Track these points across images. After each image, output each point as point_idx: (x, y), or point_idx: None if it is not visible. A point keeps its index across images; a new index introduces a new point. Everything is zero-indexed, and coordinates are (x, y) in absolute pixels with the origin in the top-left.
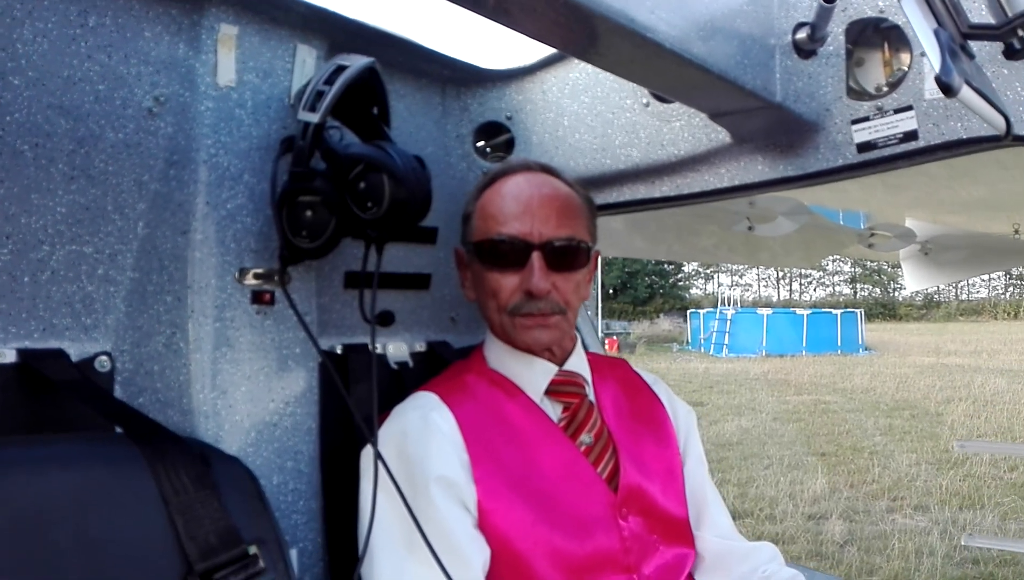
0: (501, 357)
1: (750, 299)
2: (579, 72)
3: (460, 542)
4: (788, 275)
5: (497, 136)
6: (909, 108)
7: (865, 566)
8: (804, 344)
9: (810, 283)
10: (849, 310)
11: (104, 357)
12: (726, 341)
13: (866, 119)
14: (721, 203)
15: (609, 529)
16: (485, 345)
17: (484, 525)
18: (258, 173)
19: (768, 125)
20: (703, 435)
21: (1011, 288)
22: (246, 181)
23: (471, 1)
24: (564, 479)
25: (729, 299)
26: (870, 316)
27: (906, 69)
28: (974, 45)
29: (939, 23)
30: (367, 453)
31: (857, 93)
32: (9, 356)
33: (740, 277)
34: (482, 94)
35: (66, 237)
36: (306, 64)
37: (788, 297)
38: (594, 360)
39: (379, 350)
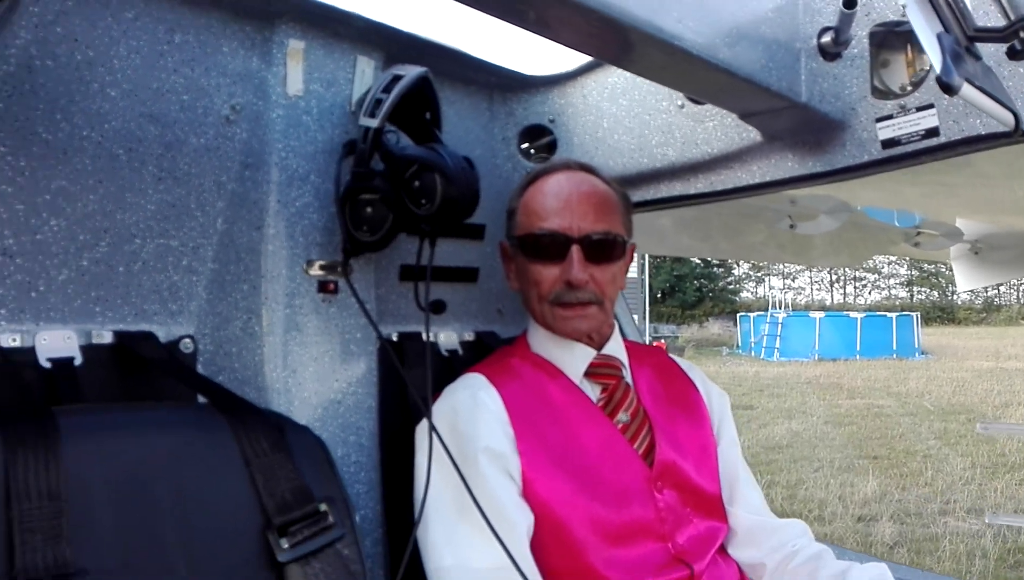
0: (543, 342)
1: (802, 302)
2: (617, 77)
3: (506, 507)
4: (842, 278)
5: (541, 138)
6: (931, 106)
7: (915, 567)
8: (858, 348)
9: (865, 286)
10: (905, 313)
11: (188, 339)
12: (777, 345)
13: (890, 117)
14: (763, 201)
15: (645, 500)
16: (528, 332)
17: (528, 493)
18: (323, 174)
19: (796, 124)
20: (752, 438)
21: None
22: (312, 181)
23: (513, 15)
24: (602, 454)
25: (780, 302)
26: (928, 320)
27: (927, 69)
28: (982, 47)
29: (945, 27)
30: (422, 428)
31: (881, 92)
32: (107, 337)
33: (792, 280)
34: (526, 99)
35: (155, 232)
36: (365, 74)
37: (842, 300)
38: (632, 347)
39: (431, 338)
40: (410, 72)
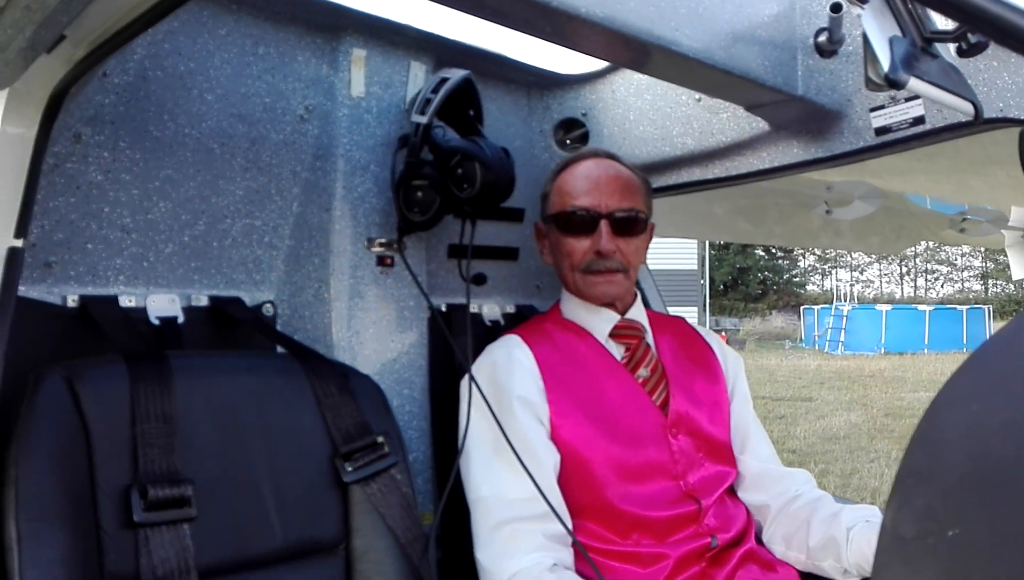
0: (574, 308)
1: (870, 296)
2: (641, 75)
3: (536, 448)
4: (912, 270)
5: (574, 130)
6: (917, 97)
7: None
8: (926, 342)
9: (937, 279)
10: (976, 306)
11: (268, 305)
12: (841, 338)
13: (882, 107)
14: (804, 188)
15: (660, 444)
16: (561, 301)
17: (555, 437)
18: (381, 164)
19: (798, 114)
20: (809, 429)
21: None
22: (372, 170)
23: (532, 28)
24: (623, 403)
25: (847, 295)
26: (1003, 314)
27: None
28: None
29: (902, 31)
30: (465, 381)
31: (874, 84)
32: (204, 301)
33: (861, 273)
34: (561, 95)
35: (242, 213)
36: (417, 77)
37: (912, 293)
38: (655, 316)
39: (475, 310)
40: (455, 75)
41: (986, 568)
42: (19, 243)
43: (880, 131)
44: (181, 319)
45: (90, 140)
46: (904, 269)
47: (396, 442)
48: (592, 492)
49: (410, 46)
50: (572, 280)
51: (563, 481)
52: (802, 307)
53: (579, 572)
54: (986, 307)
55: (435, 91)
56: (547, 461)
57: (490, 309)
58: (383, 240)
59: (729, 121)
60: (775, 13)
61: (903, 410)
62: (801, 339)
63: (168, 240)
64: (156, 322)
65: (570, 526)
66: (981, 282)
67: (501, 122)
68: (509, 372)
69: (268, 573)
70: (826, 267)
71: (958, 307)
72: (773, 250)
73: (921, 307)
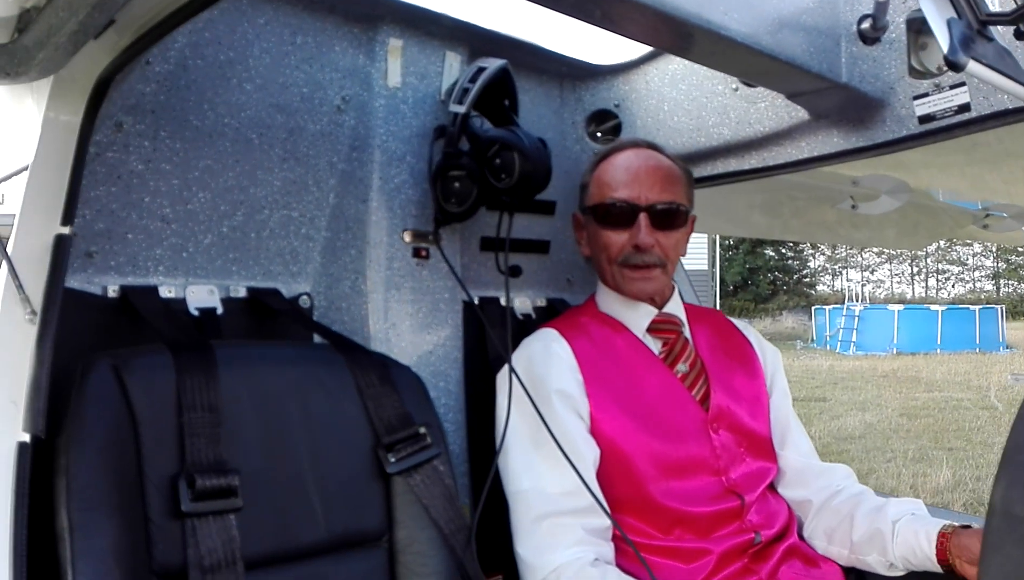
0: (610, 302)
1: (881, 296)
2: (676, 64)
3: (576, 441)
4: (924, 271)
5: (606, 121)
6: (963, 84)
7: None
8: (939, 342)
9: (948, 279)
10: (989, 306)
11: (305, 296)
12: (853, 338)
13: (926, 95)
14: (827, 182)
15: (701, 439)
16: (597, 294)
17: (595, 431)
18: (417, 155)
19: (839, 102)
20: (824, 429)
21: None
22: (408, 161)
23: (582, 12)
24: (662, 398)
25: (858, 296)
26: (1015, 314)
27: None
28: (1001, 34)
29: (958, 13)
30: (502, 374)
31: (918, 72)
32: (242, 292)
33: (871, 273)
34: (594, 86)
35: (280, 204)
36: (452, 67)
37: (924, 294)
38: (692, 309)
39: (504, 303)
40: (492, 64)
41: None
42: (66, 230)
43: (924, 119)
44: (220, 310)
45: (131, 129)
46: (915, 269)
47: (437, 433)
48: (633, 487)
49: (445, 36)
50: (610, 273)
51: (603, 476)
52: (813, 307)
53: (619, 566)
54: (999, 307)
55: (472, 80)
56: (587, 455)
57: (522, 302)
58: (419, 231)
59: (767, 110)
60: None
61: (918, 410)
62: (813, 339)
63: (207, 230)
64: (195, 313)
65: (608, 521)
66: (993, 282)
67: (533, 113)
68: (547, 365)
69: (312, 565)
70: (836, 267)
71: (971, 307)
72: (783, 250)
73: (933, 307)
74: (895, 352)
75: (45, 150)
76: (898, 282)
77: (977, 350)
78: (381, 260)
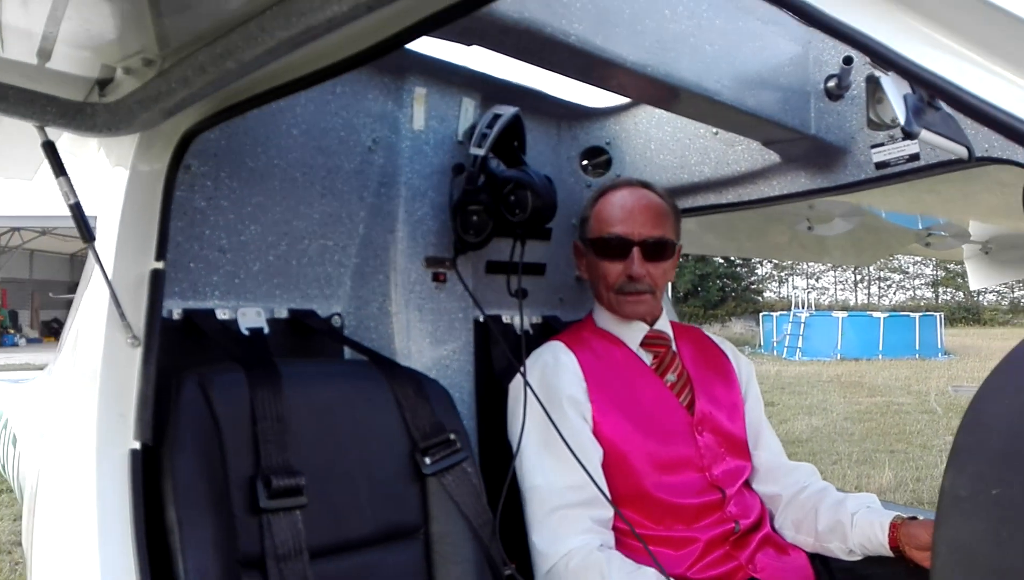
0: (607, 320)
1: (826, 303)
2: (662, 110)
3: (583, 442)
4: (866, 278)
5: (598, 157)
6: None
7: None
8: (880, 348)
9: (890, 287)
10: (928, 313)
11: (337, 316)
12: (799, 344)
13: (882, 144)
14: (783, 206)
15: (688, 441)
16: (594, 312)
17: (597, 432)
18: (437, 190)
19: (807, 149)
20: None
21: None
22: (430, 196)
23: (582, 75)
24: (654, 404)
25: (803, 302)
26: (952, 321)
27: None
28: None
29: (912, 88)
30: (515, 383)
31: (875, 124)
32: (284, 313)
33: (816, 280)
34: (588, 126)
35: (317, 234)
36: (468, 112)
37: (866, 301)
38: (676, 326)
39: (507, 321)
40: (507, 111)
41: (1022, 519)
42: (160, 265)
43: (880, 165)
44: (266, 330)
45: (197, 171)
46: (858, 277)
47: (464, 439)
48: (630, 482)
49: (462, 84)
50: (607, 297)
51: (604, 472)
52: (761, 314)
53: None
54: (938, 314)
55: (490, 126)
56: (594, 454)
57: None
58: (438, 257)
59: (743, 153)
60: (791, 58)
61: (862, 414)
62: (760, 345)
63: (256, 259)
64: (246, 333)
65: (612, 513)
66: (932, 290)
67: (534, 149)
68: (557, 374)
69: (362, 554)
70: (783, 274)
71: (911, 314)
72: (732, 258)
73: (876, 314)
74: (839, 358)
75: (134, 195)
76: (842, 289)
77: (917, 356)
78: (405, 284)
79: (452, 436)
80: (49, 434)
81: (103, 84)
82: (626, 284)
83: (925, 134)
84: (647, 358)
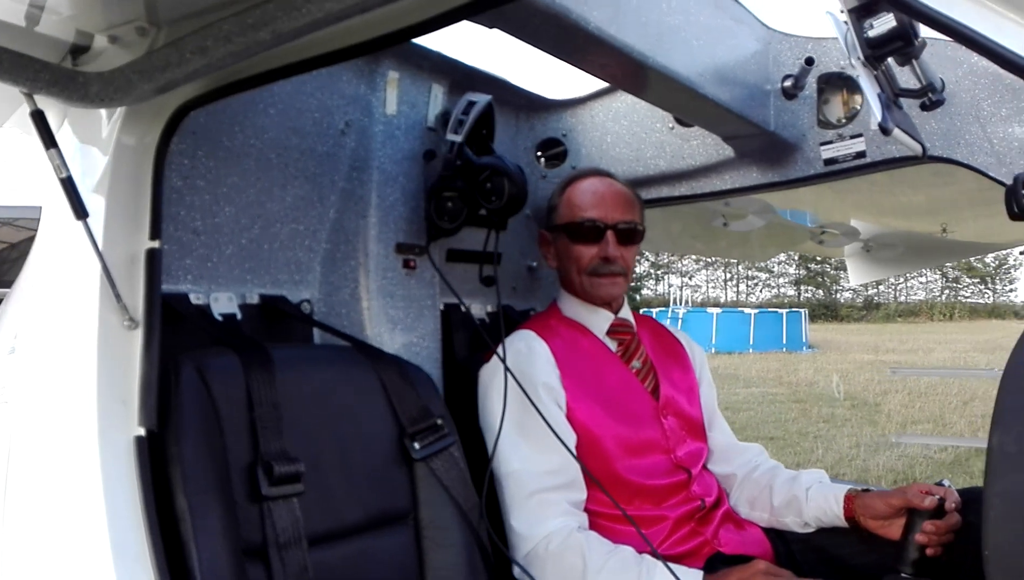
0: (574, 308)
1: (699, 299)
2: (620, 103)
3: (561, 427)
4: (735, 277)
5: (554, 148)
6: (860, 135)
7: None
8: (751, 342)
9: (756, 284)
10: (794, 310)
11: (306, 302)
12: None
13: (831, 142)
14: (702, 203)
15: (654, 425)
16: (558, 301)
17: (572, 418)
18: (408, 176)
19: (762, 145)
20: None
21: (946, 291)
22: (401, 182)
23: (563, 52)
24: (622, 390)
25: (679, 299)
26: (813, 317)
27: (858, 108)
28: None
29: (880, 88)
30: (488, 370)
31: (824, 123)
32: (255, 299)
33: (690, 279)
34: (545, 117)
35: (289, 218)
36: (437, 98)
37: (735, 298)
38: (635, 315)
39: (464, 310)
40: (481, 99)
41: None
42: (156, 244)
43: (828, 162)
44: (239, 316)
45: (175, 148)
46: (728, 275)
47: (450, 423)
48: (603, 465)
49: (432, 69)
50: (579, 282)
51: (579, 456)
52: (640, 310)
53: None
54: (803, 311)
55: (465, 112)
56: (569, 440)
57: (476, 308)
58: (409, 244)
59: (699, 147)
60: (755, 56)
61: (739, 404)
62: None
63: (229, 242)
64: (219, 318)
65: (585, 495)
66: (795, 288)
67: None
68: (530, 362)
69: (355, 541)
70: (659, 273)
71: (779, 310)
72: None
73: (747, 310)
74: (714, 351)
75: (121, 170)
76: (713, 287)
77: (784, 350)
78: (377, 270)
79: (439, 421)
80: (19, 410)
81: (77, 52)
82: (600, 266)
83: (896, 133)
84: (612, 345)
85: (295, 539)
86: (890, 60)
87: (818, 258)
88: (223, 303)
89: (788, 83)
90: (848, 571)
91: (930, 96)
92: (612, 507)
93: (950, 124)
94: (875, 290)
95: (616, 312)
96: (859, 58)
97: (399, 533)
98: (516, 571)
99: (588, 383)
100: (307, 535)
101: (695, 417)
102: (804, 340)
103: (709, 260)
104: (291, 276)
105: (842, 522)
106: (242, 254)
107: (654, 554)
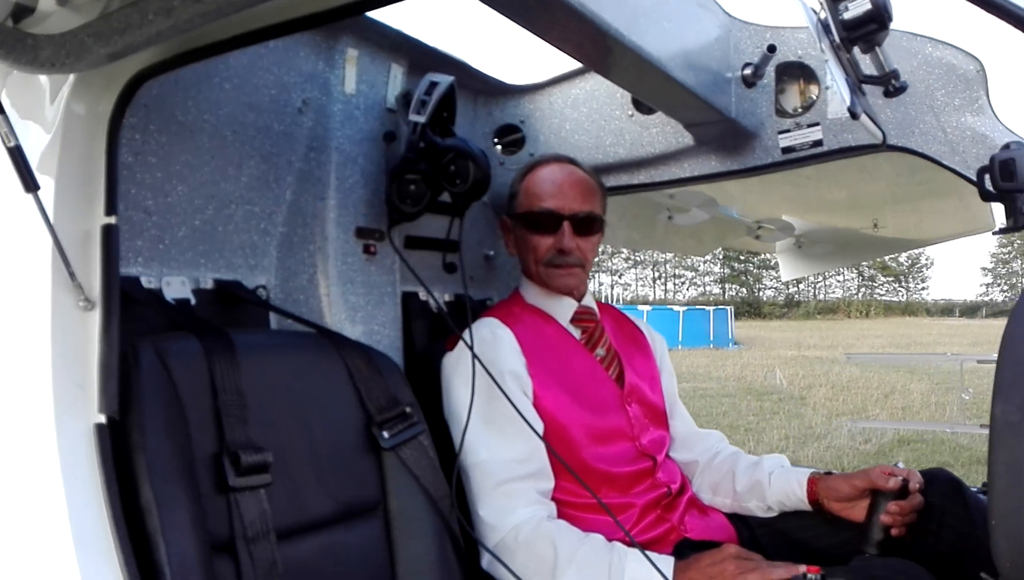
0: (537, 296)
1: (628, 297)
2: (579, 89)
3: (528, 415)
4: (663, 275)
5: (512, 134)
6: (817, 124)
7: None
8: (680, 338)
9: (683, 283)
10: (720, 307)
11: (262, 288)
12: None
13: (788, 131)
14: (647, 195)
15: (619, 412)
16: (521, 289)
17: (538, 406)
18: (367, 157)
19: (721, 132)
20: None
21: (862, 289)
22: (360, 163)
23: (527, 21)
24: (587, 378)
25: (607, 297)
26: (738, 314)
27: (815, 98)
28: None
29: (846, 73)
30: (453, 357)
31: (782, 112)
32: (209, 283)
33: (620, 277)
34: (503, 103)
35: (244, 200)
36: (396, 78)
37: (663, 296)
38: (597, 304)
39: (424, 297)
40: (444, 80)
41: None
42: (112, 220)
43: (786, 150)
44: (193, 301)
45: (126, 121)
46: (656, 274)
47: (418, 412)
48: (570, 453)
49: (391, 48)
50: (536, 271)
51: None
52: None
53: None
54: (728, 308)
55: (428, 93)
56: (539, 427)
57: (436, 296)
58: (369, 229)
59: (658, 135)
60: (718, 43)
61: None
62: None
63: (182, 223)
64: (172, 302)
65: (552, 484)
66: (720, 286)
67: None
68: (496, 349)
69: (324, 534)
70: (591, 271)
71: (706, 308)
72: None
73: (676, 308)
74: None
75: (71, 141)
76: (642, 285)
77: (711, 346)
78: (336, 255)
79: (408, 409)
80: None
81: (21, 14)
82: (556, 257)
83: (863, 118)
84: (576, 333)
85: (263, 532)
86: (854, 48)
87: (742, 257)
88: (176, 287)
89: (748, 71)
90: (811, 553)
91: (893, 83)
92: (579, 496)
93: (905, 113)
94: (796, 288)
95: (579, 300)
96: (830, 43)
97: (369, 525)
98: (485, 562)
99: (553, 371)
100: (275, 528)
101: (658, 405)
102: (731, 337)
103: (638, 258)
104: (246, 260)
105: (806, 505)
106: (195, 236)
107: (630, 541)
